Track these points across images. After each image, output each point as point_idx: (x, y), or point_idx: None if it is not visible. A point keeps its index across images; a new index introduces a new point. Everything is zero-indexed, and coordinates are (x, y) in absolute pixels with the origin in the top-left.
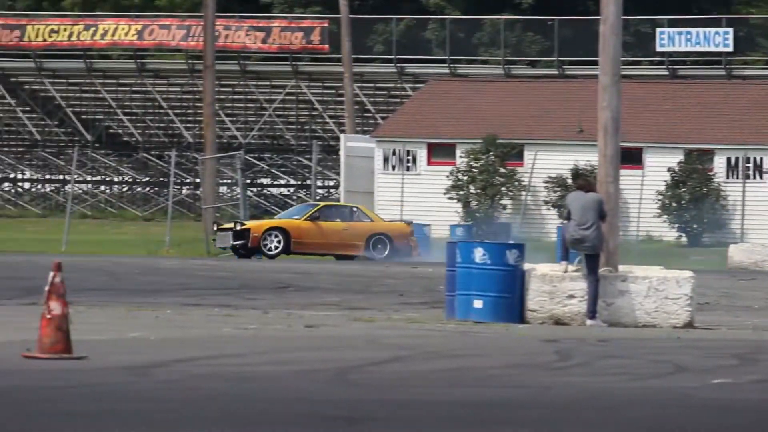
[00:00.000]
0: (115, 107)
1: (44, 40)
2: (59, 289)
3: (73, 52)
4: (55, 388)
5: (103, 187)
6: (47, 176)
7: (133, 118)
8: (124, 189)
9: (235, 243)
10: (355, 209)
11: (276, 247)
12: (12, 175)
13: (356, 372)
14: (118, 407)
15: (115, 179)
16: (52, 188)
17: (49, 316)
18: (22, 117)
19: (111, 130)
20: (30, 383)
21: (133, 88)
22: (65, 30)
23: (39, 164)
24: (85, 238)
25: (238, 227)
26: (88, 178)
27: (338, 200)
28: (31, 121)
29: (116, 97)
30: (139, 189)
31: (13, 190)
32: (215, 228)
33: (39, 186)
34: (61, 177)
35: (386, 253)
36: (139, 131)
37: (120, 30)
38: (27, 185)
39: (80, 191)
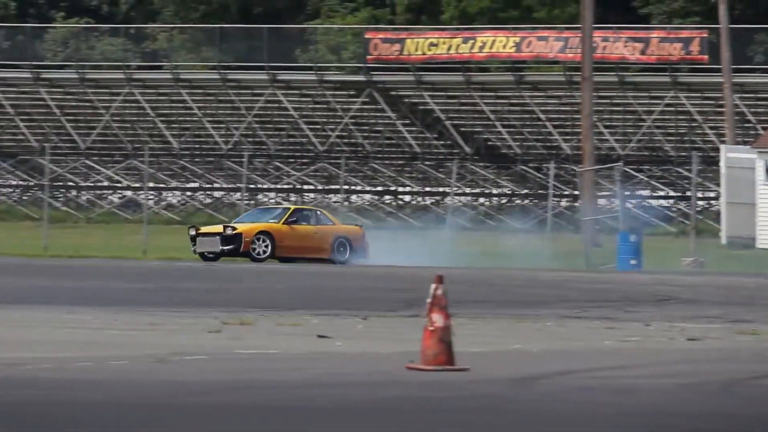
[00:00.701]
0: (493, 119)
1: (423, 54)
2: (441, 301)
3: (452, 65)
4: (438, 400)
5: (481, 200)
6: (427, 189)
7: (512, 130)
8: (503, 201)
9: (224, 248)
10: (319, 213)
11: (264, 251)
12: (393, 188)
13: (740, 385)
14: (500, 420)
15: (494, 191)
16: (432, 200)
17: (431, 328)
18: (402, 130)
19: (489, 143)
20: (414, 394)
21: (511, 101)
22: (444, 43)
23: (419, 177)
24: (465, 250)
25: (229, 231)
26: (467, 190)
27: (719, 213)
28: (410, 134)
29: (494, 109)
30: (517, 201)
31: (394, 203)
32: (194, 232)
33: (419, 198)
34: (440, 189)
35: (347, 255)
36: (517, 143)
37: (498, 42)
38: (407, 198)
39: (459, 203)
